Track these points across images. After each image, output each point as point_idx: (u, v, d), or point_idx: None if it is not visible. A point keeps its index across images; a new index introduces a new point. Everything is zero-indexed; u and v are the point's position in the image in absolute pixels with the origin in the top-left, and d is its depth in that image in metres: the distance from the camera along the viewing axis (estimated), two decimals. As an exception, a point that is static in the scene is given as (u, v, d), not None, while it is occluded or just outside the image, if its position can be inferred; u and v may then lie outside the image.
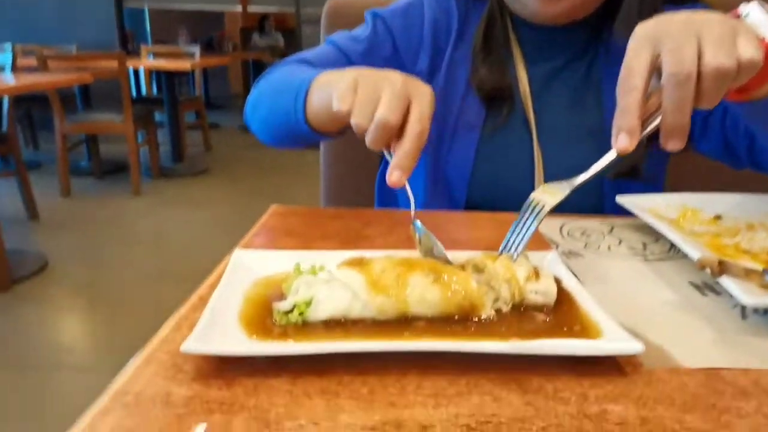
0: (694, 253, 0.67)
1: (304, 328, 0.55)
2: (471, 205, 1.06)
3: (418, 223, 0.68)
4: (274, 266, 0.66)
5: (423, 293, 0.56)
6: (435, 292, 0.56)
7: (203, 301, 0.61)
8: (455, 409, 0.47)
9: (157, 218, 4.29)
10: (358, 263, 0.58)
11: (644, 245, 0.83)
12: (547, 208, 0.66)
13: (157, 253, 3.60)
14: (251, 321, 0.56)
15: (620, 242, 0.84)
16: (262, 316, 0.57)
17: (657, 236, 0.86)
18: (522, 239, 0.67)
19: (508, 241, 0.68)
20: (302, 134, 0.89)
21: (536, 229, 0.66)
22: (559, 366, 0.52)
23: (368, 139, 0.67)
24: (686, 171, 1.22)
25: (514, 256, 0.65)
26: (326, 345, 0.52)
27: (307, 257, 0.67)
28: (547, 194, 0.67)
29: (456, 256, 0.66)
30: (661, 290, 0.69)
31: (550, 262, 0.69)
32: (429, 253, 0.67)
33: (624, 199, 0.91)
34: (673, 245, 0.83)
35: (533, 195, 0.68)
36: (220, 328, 0.53)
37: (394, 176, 0.65)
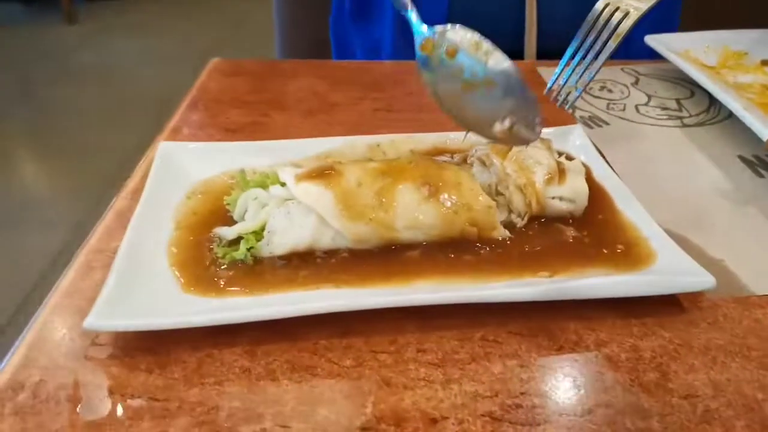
0: (763, 129, 0.52)
1: (258, 267, 0.41)
2: None
3: (427, 29, 0.44)
4: (215, 164, 0.50)
5: (415, 215, 0.41)
6: (431, 212, 0.41)
7: (122, 219, 0.45)
8: (472, 385, 0.35)
9: (96, 50, 3.83)
10: (325, 174, 0.42)
11: (678, 103, 0.68)
12: (636, 15, 0.46)
13: (102, 92, 3.25)
14: (186, 260, 0.41)
15: (649, 99, 0.68)
16: (201, 250, 0.42)
17: (692, 89, 0.70)
18: (590, 72, 0.49)
19: (558, 75, 0.51)
20: None
21: (612, 51, 0.48)
22: (598, 303, 0.40)
23: None
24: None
25: (569, 99, 0.51)
26: (289, 300, 0.38)
27: (258, 152, 0.50)
28: None
29: (447, 140, 0.49)
30: (708, 170, 0.55)
31: (575, 142, 0.54)
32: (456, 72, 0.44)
33: (653, 40, 0.73)
34: (712, 101, 0.67)
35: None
36: (142, 275, 0.39)
37: None
